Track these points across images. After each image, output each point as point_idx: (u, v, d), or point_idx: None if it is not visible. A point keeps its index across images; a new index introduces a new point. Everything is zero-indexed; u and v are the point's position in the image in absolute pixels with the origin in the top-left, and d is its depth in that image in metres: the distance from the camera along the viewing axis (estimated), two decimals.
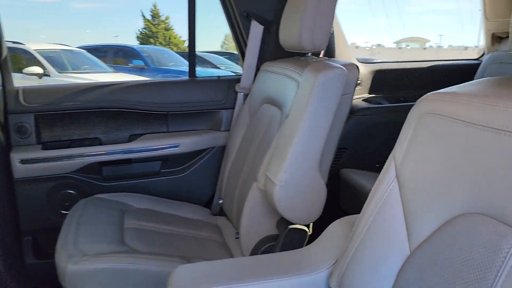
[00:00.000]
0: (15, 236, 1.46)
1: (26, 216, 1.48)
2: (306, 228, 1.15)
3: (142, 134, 1.61)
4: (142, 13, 17.25)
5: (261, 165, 1.18)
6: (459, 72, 1.99)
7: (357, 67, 1.20)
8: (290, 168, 1.06)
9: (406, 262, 0.65)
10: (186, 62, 2.05)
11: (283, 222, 1.17)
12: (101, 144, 1.57)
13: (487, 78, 0.68)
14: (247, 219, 1.20)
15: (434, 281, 0.59)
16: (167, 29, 16.82)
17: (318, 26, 1.16)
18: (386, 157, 0.70)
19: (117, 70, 6.47)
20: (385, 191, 0.69)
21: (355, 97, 1.79)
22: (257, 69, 1.51)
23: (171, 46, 15.29)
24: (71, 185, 1.50)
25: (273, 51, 1.49)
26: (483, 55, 2.08)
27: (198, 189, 1.65)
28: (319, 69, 1.07)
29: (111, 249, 1.08)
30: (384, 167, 0.71)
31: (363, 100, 1.79)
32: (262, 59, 1.53)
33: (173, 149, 1.58)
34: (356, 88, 1.81)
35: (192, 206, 1.53)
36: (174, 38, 16.63)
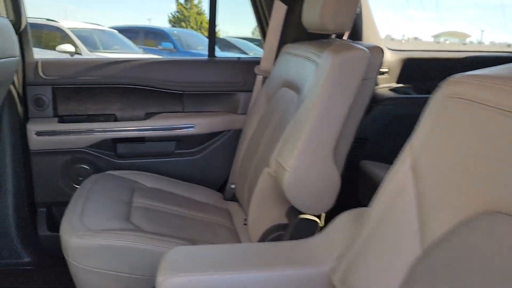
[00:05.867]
0: (30, 207, 1.48)
1: (41, 189, 1.49)
2: (317, 219, 1.10)
3: (157, 113, 1.58)
4: None
5: (274, 151, 1.13)
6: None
7: (382, 50, 1.11)
8: (302, 154, 1.00)
9: (418, 262, 0.58)
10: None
11: (293, 211, 1.11)
12: (116, 120, 1.56)
13: None
14: (256, 206, 1.15)
15: None
16: (199, 14, 16.87)
17: (342, 5, 1.08)
18: None
19: (147, 51, 6.51)
20: (399, 182, 0.62)
21: (381, 85, 1.70)
22: (278, 51, 1.45)
23: (202, 31, 15.32)
24: (86, 160, 1.50)
25: (295, 32, 1.42)
26: None
27: (212, 173, 1.62)
28: (338, 50, 1.00)
29: (115, 226, 1.06)
30: (400, 155, 0.64)
31: (389, 89, 1.70)
32: (284, 41, 1.46)
33: (188, 129, 1.54)
34: (383, 76, 1.72)
35: (205, 189, 1.50)
36: (206, 22, 16.68)
